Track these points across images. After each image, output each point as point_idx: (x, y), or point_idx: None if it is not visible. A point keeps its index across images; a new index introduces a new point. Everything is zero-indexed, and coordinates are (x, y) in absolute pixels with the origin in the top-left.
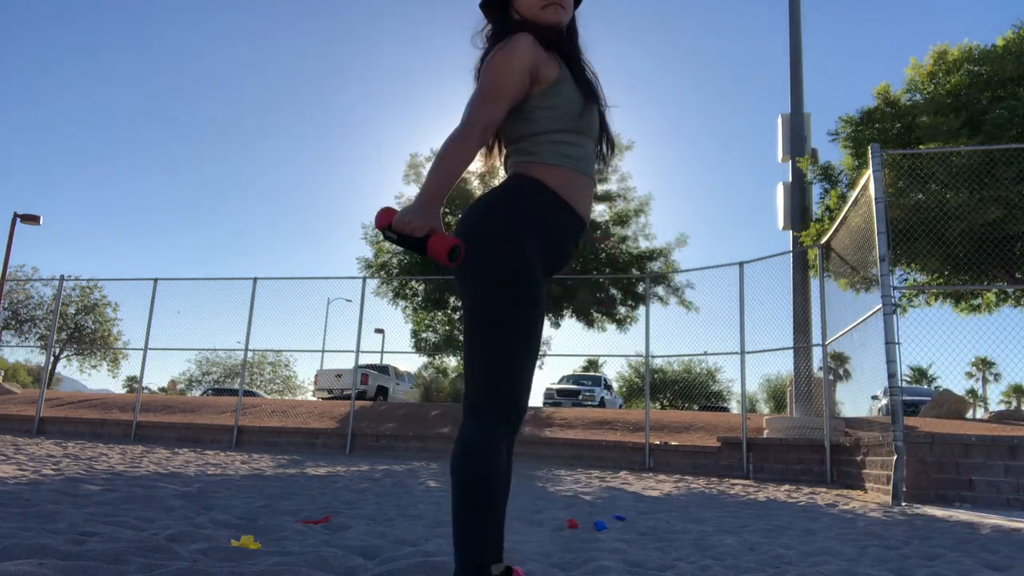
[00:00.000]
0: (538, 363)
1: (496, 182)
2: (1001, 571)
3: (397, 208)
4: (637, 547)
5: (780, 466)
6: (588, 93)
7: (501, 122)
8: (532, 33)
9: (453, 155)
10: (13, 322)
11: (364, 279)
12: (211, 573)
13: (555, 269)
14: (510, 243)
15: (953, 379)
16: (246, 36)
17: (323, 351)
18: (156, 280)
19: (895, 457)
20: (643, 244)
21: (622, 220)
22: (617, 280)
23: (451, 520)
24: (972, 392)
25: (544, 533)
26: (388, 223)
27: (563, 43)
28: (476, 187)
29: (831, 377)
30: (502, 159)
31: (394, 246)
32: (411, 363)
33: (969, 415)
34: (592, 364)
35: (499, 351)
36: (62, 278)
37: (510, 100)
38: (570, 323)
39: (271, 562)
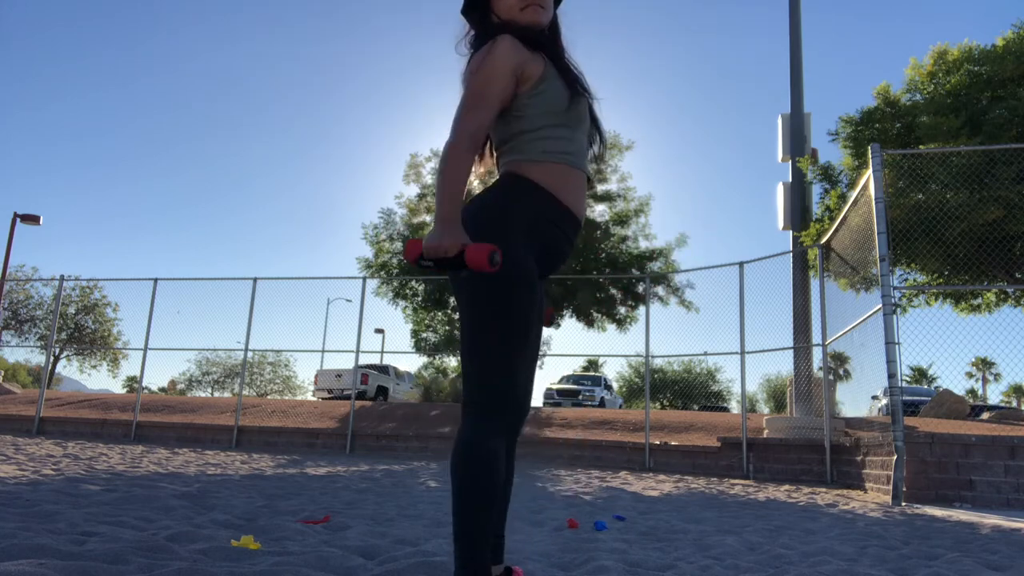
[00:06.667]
0: (538, 363)
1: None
2: (1001, 571)
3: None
4: (637, 547)
5: (780, 466)
6: (574, 86)
7: (490, 127)
8: (513, 34)
9: (450, 170)
10: (13, 322)
11: (364, 279)
12: (211, 573)
13: (551, 269)
14: (501, 242)
15: (953, 379)
16: (245, 36)
17: (323, 351)
18: (156, 280)
19: (895, 457)
20: (643, 244)
21: (622, 220)
22: (617, 280)
23: (452, 520)
24: (972, 392)
25: (544, 533)
26: (419, 254)
27: (546, 42)
28: (476, 186)
29: (831, 377)
30: (495, 161)
31: (395, 252)
32: (411, 363)
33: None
34: (592, 364)
35: (494, 349)
36: (62, 278)
37: (496, 105)
38: (570, 323)
39: (271, 562)
